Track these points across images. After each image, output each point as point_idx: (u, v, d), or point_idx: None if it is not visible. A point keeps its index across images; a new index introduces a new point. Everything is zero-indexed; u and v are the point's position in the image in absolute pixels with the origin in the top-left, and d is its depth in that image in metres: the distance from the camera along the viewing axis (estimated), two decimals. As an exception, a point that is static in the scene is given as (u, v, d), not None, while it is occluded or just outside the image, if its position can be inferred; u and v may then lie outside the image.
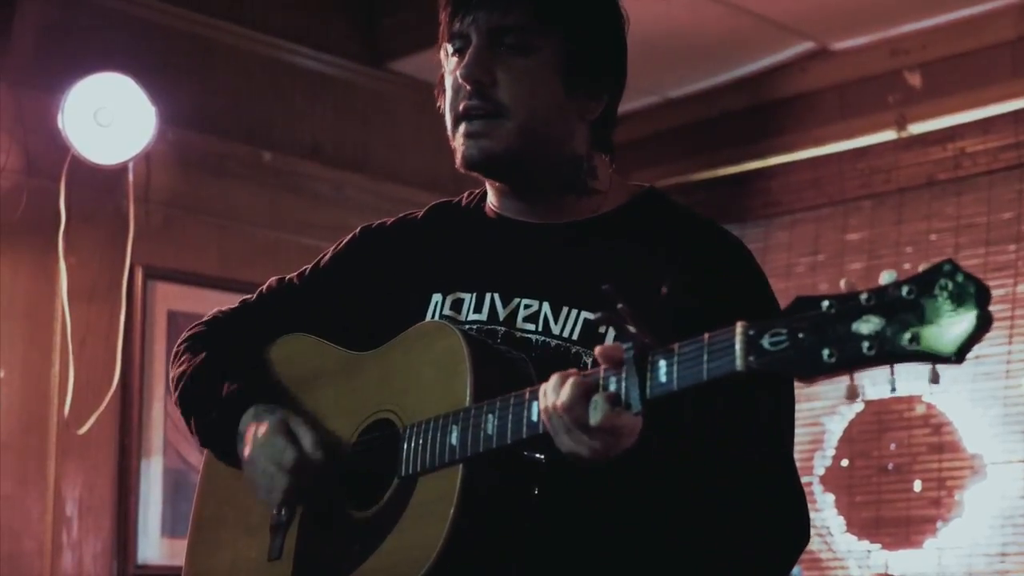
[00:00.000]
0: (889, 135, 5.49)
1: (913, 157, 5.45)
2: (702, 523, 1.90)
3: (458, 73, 2.07)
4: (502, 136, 2.06)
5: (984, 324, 1.37)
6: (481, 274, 2.15)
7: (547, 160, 2.10)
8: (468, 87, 2.06)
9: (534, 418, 1.80)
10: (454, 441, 1.89)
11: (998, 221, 5.24)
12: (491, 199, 2.22)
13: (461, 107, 2.08)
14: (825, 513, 5.49)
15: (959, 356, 1.38)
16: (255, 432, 2.14)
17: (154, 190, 5.05)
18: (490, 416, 1.86)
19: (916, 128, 5.42)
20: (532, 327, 2.07)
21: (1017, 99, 5.19)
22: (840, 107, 5.62)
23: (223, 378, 2.26)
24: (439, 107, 2.17)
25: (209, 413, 2.24)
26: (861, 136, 5.57)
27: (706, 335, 1.61)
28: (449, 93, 2.11)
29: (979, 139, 5.29)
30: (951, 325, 1.38)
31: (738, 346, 1.54)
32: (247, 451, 2.14)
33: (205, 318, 2.40)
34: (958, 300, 1.38)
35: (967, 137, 5.32)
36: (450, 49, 2.11)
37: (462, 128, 2.08)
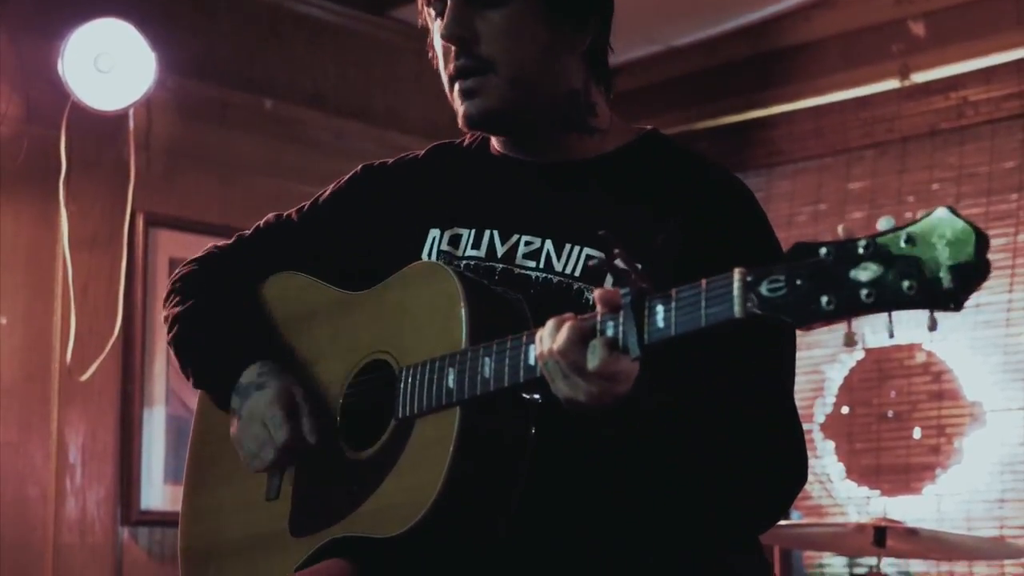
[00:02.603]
0: (892, 84, 5.47)
1: (916, 106, 5.43)
2: (700, 464, 1.90)
3: (440, 34, 2.09)
4: (495, 91, 2.08)
5: (983, 272, 1.37)
6: (480, 211, 2.16)
7: (544, 102, 2.11)
8: (453, 47, 2.08)
9: (531, 361, 1.80)
10: (451, 384, 1.90)
11: (1000, 170, 5.23)
12: (494, 141, 2.23)
13: (452, 68, 2.10)
14: (825, 460, 5.51)
15: (957, 304, 1.38)
16: (256, 396, 2.15)
17: (155, 137, 5.04)
18: (487, 359, 1.86)
19: (919, 77, 5.40)
20: (533, 264, 2.08)
21: (1020, 48, 5.16)
22: (843, 56, 5.59)
23: (217, 324, 2.26)
24: (434, 67, 2.19)
25: (205, 360, 2.25)
26: (864, 85, 5.55)
27: (704, 281, 1.60)
28: (440, 58, 2.14)
29: (982, 88, 5.27)
30: (950, 273, 1.38)
31: (736, 292, 1.54)
32: (244, 409, 2.15)
33: (199, 254, 2.40)
34: (956, 247, 1.38)
35: (970, 86, 5.30)
36: (432, 14, 2.14)
37: (456, 88, 2.10)
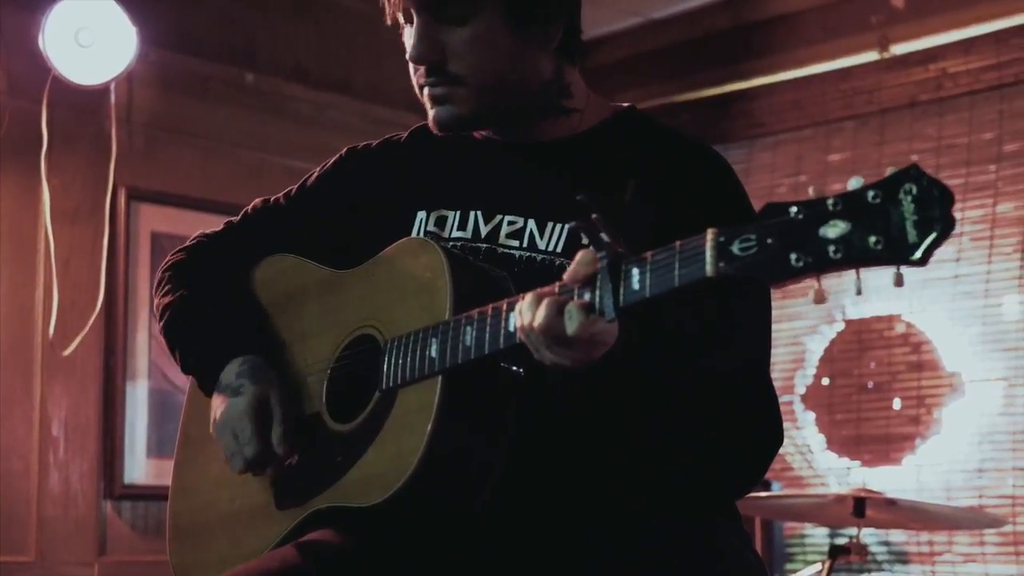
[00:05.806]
0: (872, 56, 5.48)
1: (895, 78, 5.45)
2: (677, 424, 1.92)
3: (408, 55, 2.10)
4: (464, 100, 2.10)
5: (947, 227, 1.38)
6: (464, 192, 2.18)
7: (515, 100, 2.12)
8: (421, 67, 2.10)
9: (511, 328, 1.81)
10: (434, 353, 1.91)
11: (979, 142, 5.25)
12: None
13: (420, 81, 2.12)
14: (806, 431, 5.54)
15: (923, 259, 1.39)
16: (232, 404, 2.16)
17: (136, 111, 5.04)
18: (468, 328, 1.87)
19: (898, 49, 5.42)
20: (516, 243, 2.10)
21: (999, 20, 5.18)
22: (823, 28, 5.60)
23: (204, 316, 2.28)
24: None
25: (192, 352, 2.27)
26: (844, 57, 5.56)
27: (677, 242, 1.62)
28: (410, 64, 2.14)
29: (961, 60, 5.29)
30: (916, 228, 1.40)
31: (708, 252, 1.56)
32: (220, 411, 2.17)
33: (189, 243, 2.41)
34: (923, 204, 1.40)
35: (949, 58, 5.32)
36: (400, 18, 2.14)
37: (426, 92, 2.12)
